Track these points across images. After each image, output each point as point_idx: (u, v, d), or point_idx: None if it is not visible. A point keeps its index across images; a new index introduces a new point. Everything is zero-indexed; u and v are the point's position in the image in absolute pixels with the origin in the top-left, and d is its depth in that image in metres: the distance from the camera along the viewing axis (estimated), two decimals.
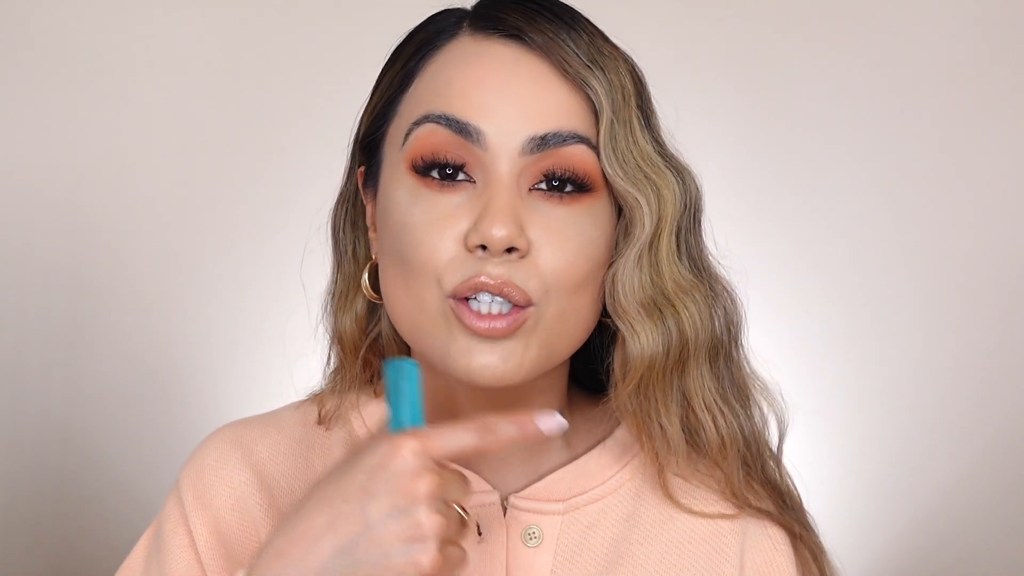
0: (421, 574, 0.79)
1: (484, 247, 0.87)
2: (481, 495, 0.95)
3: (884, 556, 1.76)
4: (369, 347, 1.00)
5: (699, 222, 0.94)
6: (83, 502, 1.72)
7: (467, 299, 0.88)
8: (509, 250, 0.87)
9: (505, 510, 0.95)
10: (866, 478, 1.77)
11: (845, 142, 1.78)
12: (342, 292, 1.00)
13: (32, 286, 1.71)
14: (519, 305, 0.88)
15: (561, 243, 0.89)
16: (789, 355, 1.74)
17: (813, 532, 1.00)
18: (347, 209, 1.00)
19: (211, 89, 1.74)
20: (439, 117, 0.89)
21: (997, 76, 1.78)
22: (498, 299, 0.87)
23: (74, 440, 1.72)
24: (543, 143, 0.88)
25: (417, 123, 0.90)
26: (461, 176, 0.89)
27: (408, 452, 0.79)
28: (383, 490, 0.79)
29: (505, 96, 0.89)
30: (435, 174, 0.89)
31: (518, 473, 0.97)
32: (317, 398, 1.02)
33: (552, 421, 0.84)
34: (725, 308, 0.95)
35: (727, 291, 0.95)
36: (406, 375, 0.83)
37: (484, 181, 0.89)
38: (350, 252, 1.00)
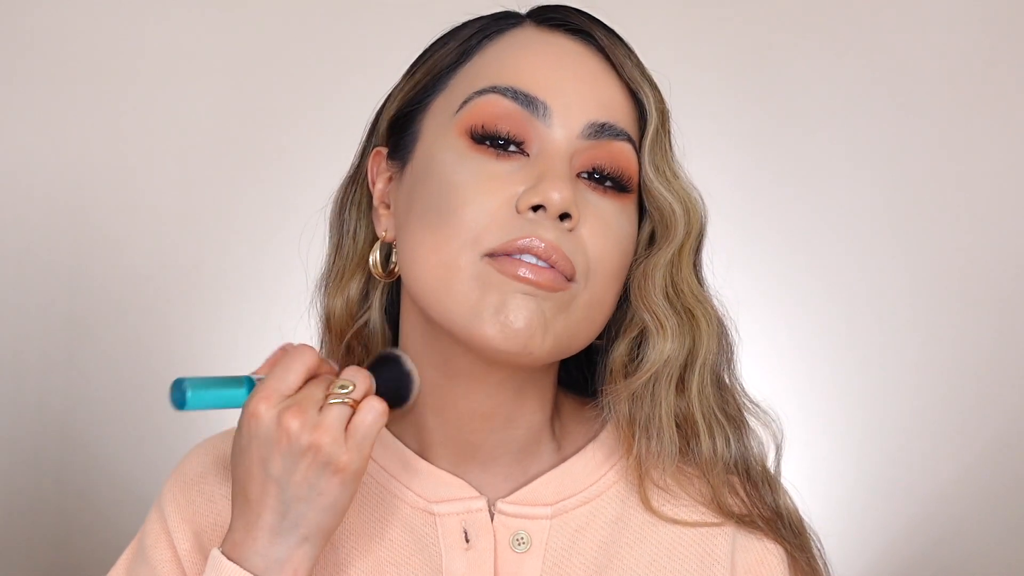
0: (356, 468, 0.86)
1: (538, 209, 0.88)
2: (468, 501, 0.95)
3: (884, 556, 1.76)
4: (355, 335, 0.99)
5: (702, 250, 0.97)
6: (82, 500, 1.72)
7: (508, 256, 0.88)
8: (562, 219, 0.88)
9: (492, 516, 0.95)
10: (866, 478, 1.77)
11: (844, 142, 1.78)
12: (339, 272, 1.00)
13: (32, 286, 1.71)
14: (563, 275, 0.89)
15: (605, 229, 0.91)
16: (788, 355, 1.74)
17: (812, 557, 1.00)
18: (355, 190, 1.00)
19: (211, 89, 1.74)
20: (506, 89, 0.91)
21: (997, 76, 1.77)
22: (542, 263, 0.88)
23: (74, 439, 1.72)
24: (601, 131, 0.91)
25: (480, 92, 0.92)
26: (515, 149, 0.91)
27: (259, 407, 0.86)
28: (269, 451, 0.86)
29: (571, 80, 0.92)
30: (489, 143, 0.91)
31: (505, 477, 0.96)
32: None
33: None
34: (723, 336, 0.97)
35: (723, 322, 0.97)
36: (194, 386, 0.88)
37: (540, 154, 0.90)
38: (351, 233, 1.00)
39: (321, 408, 0.86)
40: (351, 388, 0.87)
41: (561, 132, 0.90)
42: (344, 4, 1.76)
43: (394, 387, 0.92)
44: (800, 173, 1.78)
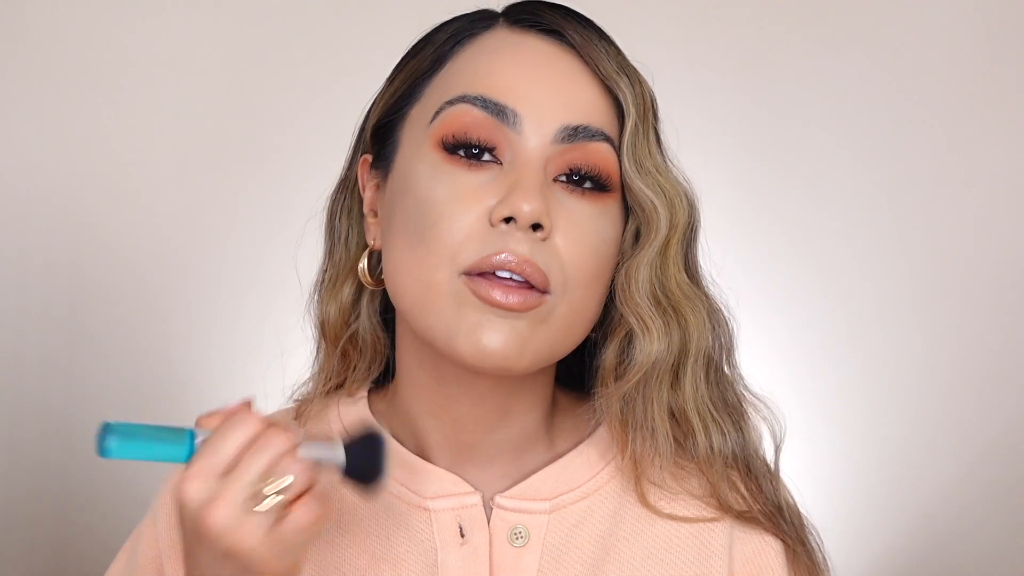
0: (283, 570, 0.79)
1: (509, 220, 0.87)
2: (462, 496, 0.95)
3: (884, 557, 1.76)
4: (349, 340, 1.00)
5: (696, 241, 0.96)
6: (83, 501, 1.72)
7: (483, 275, 0.88)
8: (534, 229, 0.88)
9: (489, 511, 0.95)
10: (866, 479, 1.77)
11: (845, 141, 1.78)
12: (331, 279, 1.00)
13: (32, 286, 1.71)
14: (536, 288, 0.88)
15: (580, 235, 0.90)
16: (789, 355, 1.74)
17: (812, 549, 1.00)
18: (345, 197, 1.01)
19: (209, 89, 1.74)
20: (475, 98, 0.90)
21: (999, 75, 1.77)
22: (516, 277, 0.88)
23: (74, 439, 1.72)
24: (574, 134, 0.90)
25: (451, 102, 0.91)
26: (488, 157, 0.90)
27: (188, 489, 0.78)
28: (196, 542, 0.79)
29: (542, 84, 0.91)
30: (462, 152, 0.90)
31: (501, 474, 0.97)
32: (296, 405, 1.02)
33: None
34: (718, 327, 0.96)
35: (720, 312, 0.97)
36: (122, 434, 0.79)
37: (512, 163, 0.90)
38: (343, 239, 1.00)
39: (256, 495, 0.79)
40: (289, 483, 0.79)
41: (533, 139, 0.90)
42: (342, 5, 1.75)
43: (363, 470, 0.83)
44: (800, 170, 1.78)
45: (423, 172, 0.91)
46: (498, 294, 0.87)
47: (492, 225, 0.88)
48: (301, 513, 0.80)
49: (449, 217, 0.88)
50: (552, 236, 0.89)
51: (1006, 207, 1.77)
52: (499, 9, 0.97)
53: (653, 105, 0.94)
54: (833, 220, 1.78)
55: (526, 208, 0.87)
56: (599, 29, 0.95)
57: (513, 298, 0.87)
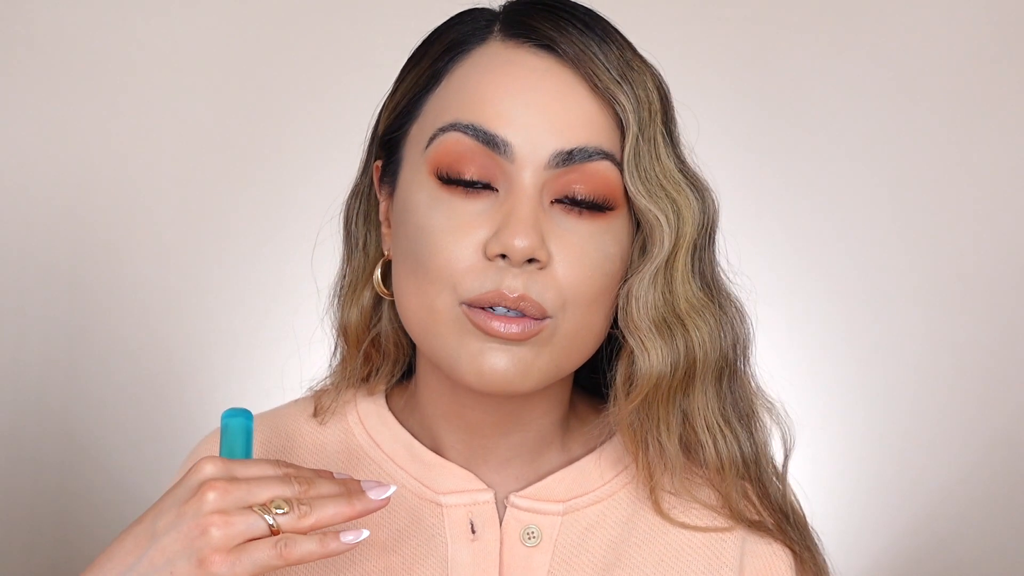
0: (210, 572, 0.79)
1: (504, 256, 0.87)
2: (475, 493, 0.96)
3: (884, 556, 1.76)
4: (372, 343, 1.00)
5: (714, 239, 0.94)
6: (83, 501, 1.72)
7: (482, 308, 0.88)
8: (529, 260, 0.87)
9: (502, 510, 0.96)
10: (866, 478, 1.77)
11: (846, 141, 1.78)
12: (350, 284, 1.00)
13: (32, 287, 1.71)
14: (535, 318, 0.88)
15: (580, 258, 0.89)
16: (789, 355, 1.74)
17: (817, 553, 1.00)
18: (361, 202, 1.00)
19: (210, 89, 1.74)
20: (466, 127, 0.88)
21: (1001, 75, 1.77)
22: (513, 312, 0.87)
23: (74, 440, 1.72)
24: (569, 158, 0.88)
25: (443, 129, 0.89)
26: (483, 186, 0.89)
27: (206, 462, 0.82)
28: (173, 502, 0.81)
29: (534, 108, 0.88)
30: (457, 183, 0.89)
31: (516, 475, 0.97)
32: (316, 395, 1.03)
33: (382, 491, 0.85)
34: (734, 326, 0.94)
35: (737, 309, 0.95)
36: (235, 427, 0.86)
37: (507, 191, 0.88)
38: (361, 246, 0.99)
39: (248, 508, 0.81)
40: (285, 511, 0.81)
41: (526, 167, 0.88)
42: (345, 3, 1.75)
43: None
44: (802, 171, 1.78)
45: (421, 200, 0.90)
46: (497, 324, 0.87)
47: (488, 259, 0.87)
48: (271, 545, 0.80)
49: (446, 248, 0.88)
50: (550, 262, 0.88)
51: (1007, 207, 1.77)
52: (497, 8, 0.94)
53: (662, 102, 0.91)
54: (834, 220, 1.78)
55: (519, 245, 0.86)
56: (602, 29, 0.91)
57: (513, 328, 0.87)
